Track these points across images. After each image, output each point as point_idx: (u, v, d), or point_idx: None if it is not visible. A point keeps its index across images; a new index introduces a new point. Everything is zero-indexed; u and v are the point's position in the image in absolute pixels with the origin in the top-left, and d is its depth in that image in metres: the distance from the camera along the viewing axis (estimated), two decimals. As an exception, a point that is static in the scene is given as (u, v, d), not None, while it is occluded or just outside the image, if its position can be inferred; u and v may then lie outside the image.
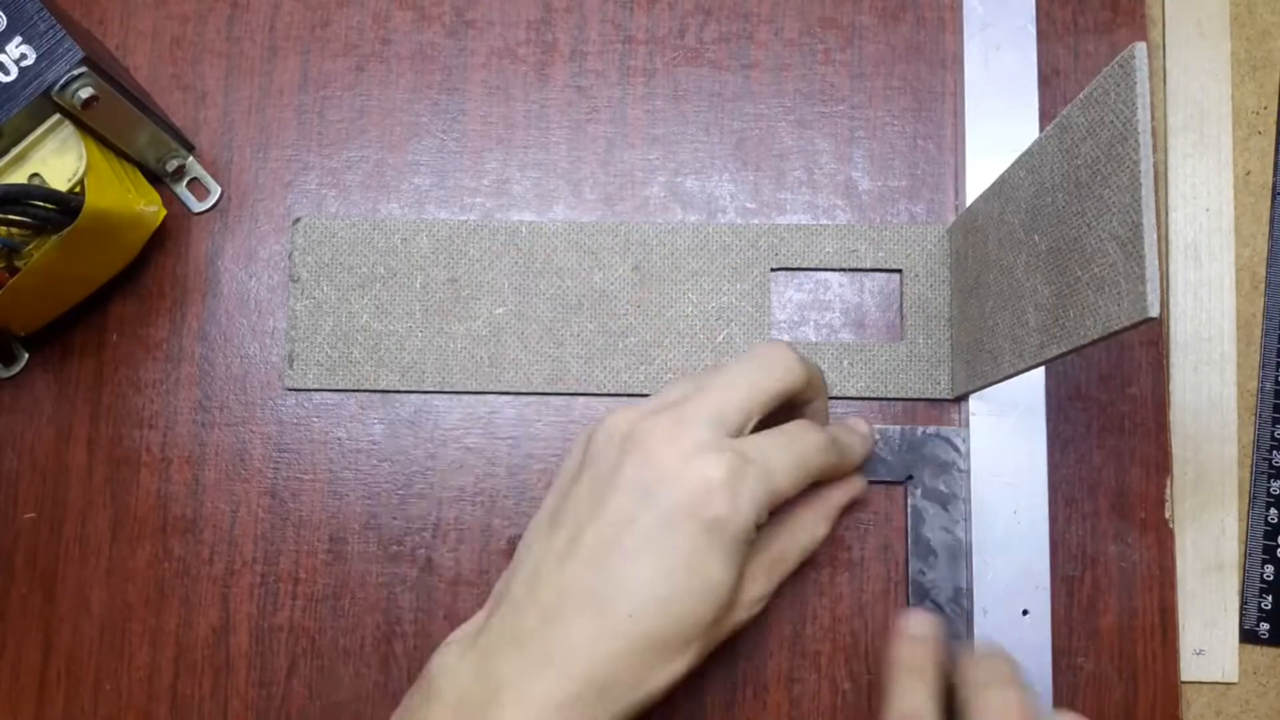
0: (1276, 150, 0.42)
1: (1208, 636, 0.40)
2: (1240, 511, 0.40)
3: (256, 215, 0.42)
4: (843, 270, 0.41)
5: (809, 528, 0.35)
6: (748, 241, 0.41)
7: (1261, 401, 0.41)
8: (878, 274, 0.41)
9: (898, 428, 0.36)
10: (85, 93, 0.35)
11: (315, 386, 0.41)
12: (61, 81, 0.34)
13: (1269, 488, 0.40)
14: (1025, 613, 0.38)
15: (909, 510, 0.34)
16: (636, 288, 0.41)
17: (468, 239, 0.41)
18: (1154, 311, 0.25)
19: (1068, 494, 0.40)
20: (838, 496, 0.37)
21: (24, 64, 0.34)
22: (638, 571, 0.29)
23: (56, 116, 0.36)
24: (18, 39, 0.34)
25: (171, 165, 0.42)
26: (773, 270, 0.41)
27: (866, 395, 0.40)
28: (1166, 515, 0.40)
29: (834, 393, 0.40)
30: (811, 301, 0.41)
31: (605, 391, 0.40)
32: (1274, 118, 0.43)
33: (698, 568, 0.29)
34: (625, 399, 0.41)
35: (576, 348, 0.40)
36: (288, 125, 0.43)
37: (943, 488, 0.34)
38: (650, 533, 0.29)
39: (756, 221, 0.41)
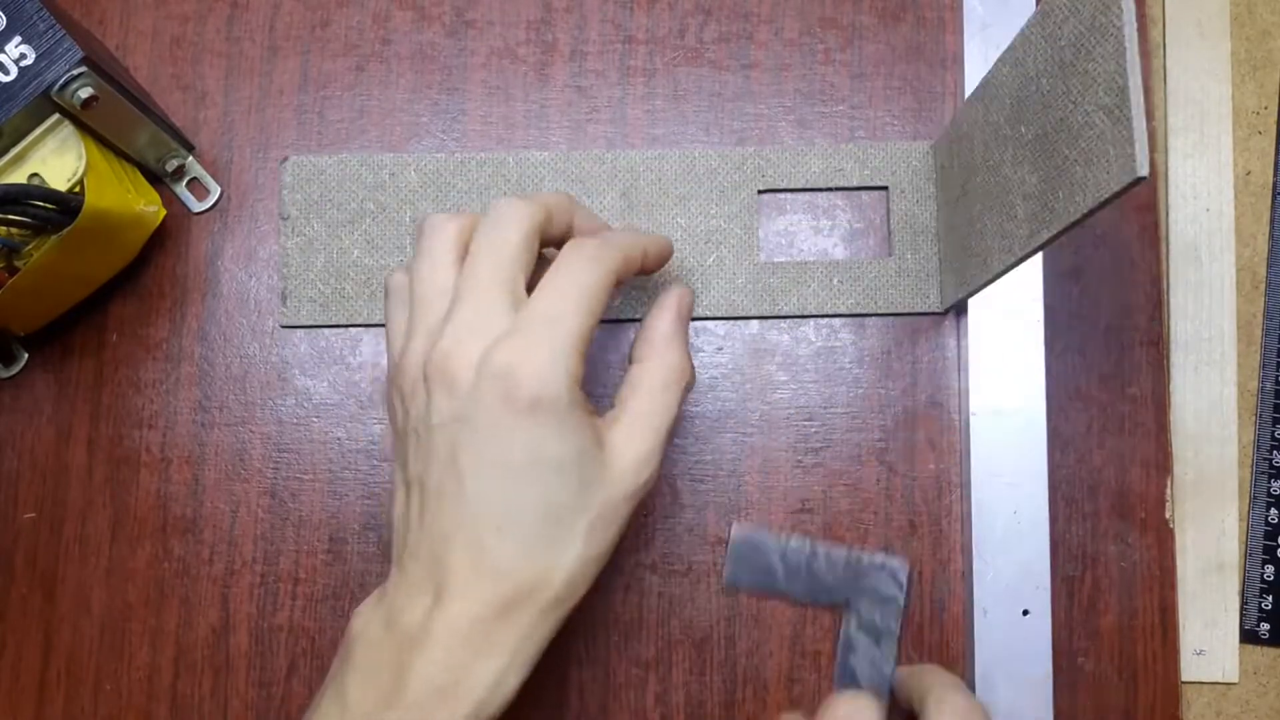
0: (1277, 150, 0.42)
1: (1208, 636, 0.40)
2: (1241, 511, 0.40)
3: (256, 215, 0.42)
4: (830, 190, 0.41)
5: (658, 370, 0.33)
6: (734, 165, 0.41)
7: (1262, 402, 0.41)
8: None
9: (843, 550, 0.34)
10: (85, 93, 0.35)
11: (309, 323, 0.41)
12: (61, 81, 0.34)
13: (1269, 488, 0.40)
14: (1025, 613, 0.38)
15: (840, 638, 0.33)
16: (625, 214, 0.41)
17: (455, 172, 0.41)
18: (1143, 171, 0.25)
19: (1068, 494, 0.40)
20: (664, 322, 0.34)
21: (24, 64, 0.34)
22: (484, 489, 0.29)
23: (56, 116, 0.36)
24: (17, 39, 0.34)
25: (171, 165, 0.42)
26: (760, 193, 0.41)
27: (857, 312, 0.41)
28: (1167, 515, 0.40)
29: (826, 310, 0.41)
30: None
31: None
32: (1274, 118, 0.43)
33: (535, 453, 0.29)
34: (617, 324, 0.41)
35: None
36: (288, 125, 0.43)
37: (878, 621, 0.33)
38: (480, 450, 0.29)
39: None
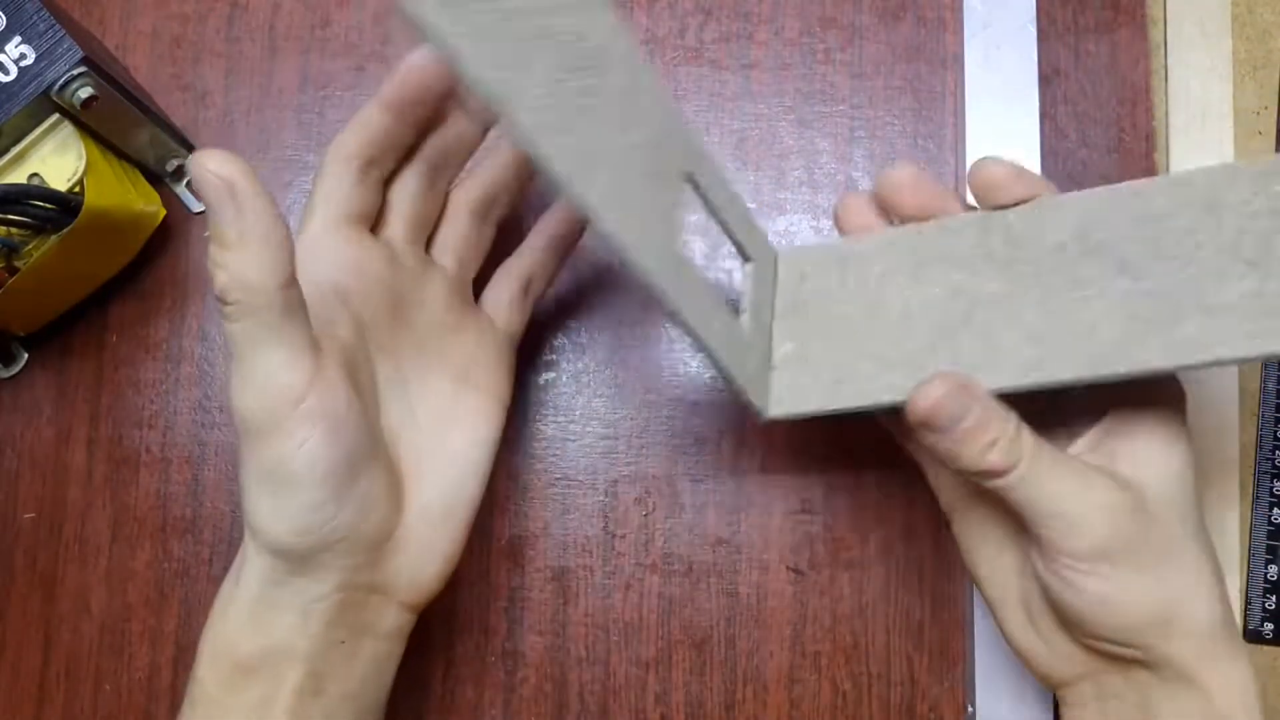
0: (1277, 151, 0.42)
1: (1209, 637, 0.40)
2: (1242, 511, 0.40)
3: (256, 215, 0.42)
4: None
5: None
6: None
7: (1264, 402, 0.41)
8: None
9: None
10: (85, 93, 0.35)
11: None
12: (61, 81, 0.34)
13: (1272, 488, 0.40)
14: (1026, 613, 0.38)
15: None
16: None
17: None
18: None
19: (1069, 494, 0.40)
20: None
21: (23, 64, 0.34)
22: (235, 397, 0.29)
23: (56, 116, 0.36)
24: (17, 39, 0.34)
25: (171, 165, 0.42)
26: None
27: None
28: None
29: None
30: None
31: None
32: (1274, 118, 0.42)
33: (247, 365, 0.28)
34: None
35: None
36: (288, 125, 0.43)
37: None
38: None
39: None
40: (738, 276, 0.36)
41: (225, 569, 0.40)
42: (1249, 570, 0.40)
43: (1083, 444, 0.31)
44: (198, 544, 0.40)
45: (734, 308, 0.33)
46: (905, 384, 0.31)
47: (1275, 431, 0.41)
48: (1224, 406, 0.41)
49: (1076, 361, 0.30)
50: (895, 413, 0.32)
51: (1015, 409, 0.30)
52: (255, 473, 0.29)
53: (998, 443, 0.29)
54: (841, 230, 0.36)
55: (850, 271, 0.34)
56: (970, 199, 0.33)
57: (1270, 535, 0.40)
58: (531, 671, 0.39)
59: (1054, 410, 0.33)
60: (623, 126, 0.29)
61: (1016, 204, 0.32)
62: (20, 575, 0.40)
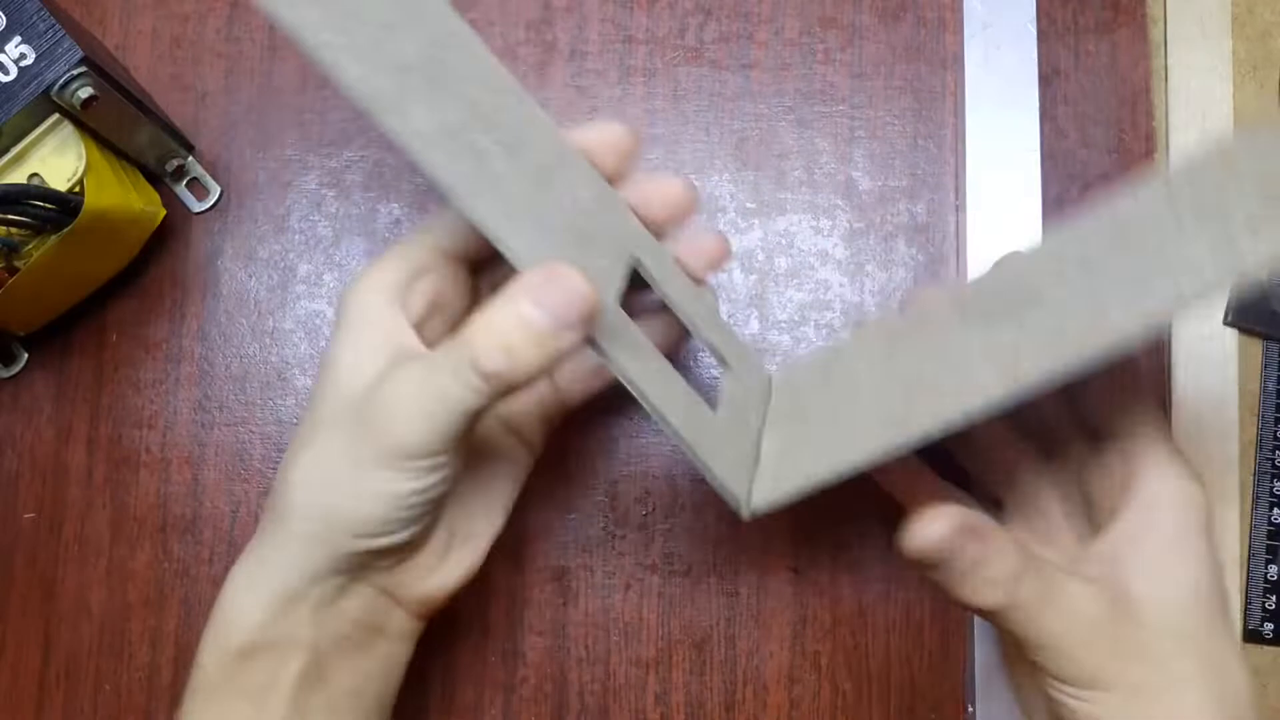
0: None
1: (1209, 637, 0.40)
2: (1242, 511, 0.40)
3: (256, 215, 0.42)
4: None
5: None
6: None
7: (1264, 401, 0.41)
8: (878, 274, 0.41)
9: None
10: (85, 93, 0.35)
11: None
12: (61, 81, 0.34)
13: (1272, 487, 0.40)
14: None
15: None
16: None
17: None
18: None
19: (1068, 494, 0.40)
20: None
21: (23, 64, 0.34)
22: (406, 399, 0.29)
23: (56, 116, 0.36)
24: (17, 39, 0.34)
25: (171, 165, 0.42)
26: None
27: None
28: (1168, 515, 0.40)
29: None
30: (812, 301, 0.41)
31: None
32: (1274, 118, 0.42)
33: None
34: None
35: None
36: (288, 125, 0.43)
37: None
38: None
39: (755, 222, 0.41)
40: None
41: (225, 569, 0.40)
42: (1249, 570, 0.40)
43: (1100, 545, 0.31)
44: (198, 544, 0.40)
45: (710, 401, 0.33)
46: (886, 435, 0.30)
47: (1275, 431, 0.41)
48: (1224, 406, 0.41)
49: (1054, 354, 0.28)
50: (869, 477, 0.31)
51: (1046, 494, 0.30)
52: (371, 479, 0.28)
53: (996, 584, 0.28)
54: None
55: (834, 369, 0.34)
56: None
57: (1270, 535, 0.40)
58: (531, 671, 0.39)
59: (1080, 497, 0.33)
60: (539, 186, 0.29)
61: None
62: (20, 575, 0.40)
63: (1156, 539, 0.29)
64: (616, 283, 0.30)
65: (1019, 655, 0.32)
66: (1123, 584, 0.29)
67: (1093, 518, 0.32)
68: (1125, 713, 0.28)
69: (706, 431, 0.31)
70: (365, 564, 0.30)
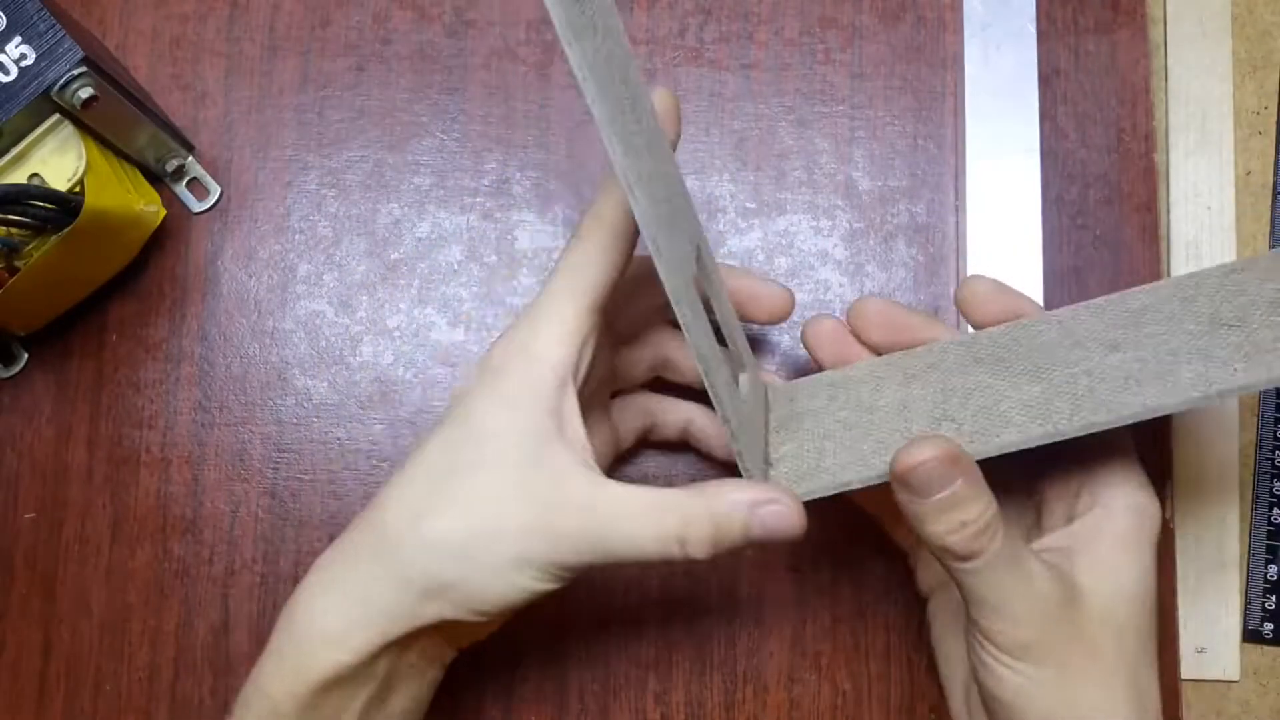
0: (1277, 151, 0.42)
1: (1209, 634, 0.40)
2: (1242, 510, 0.40)
3: (256, 215, 0.42)
4: None
5: None
6: None
7: (1264, 401, 0.41)
8: (878, 274, 0.41)
9: None
10: (85, 93, 0.35)
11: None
12: (61, 81, 0.34)
13: (1272, 487, 0.40)
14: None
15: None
16: None
17: None
18: None
19: (1068, 494, 0.40)
20: None
21: (24, 64, 0.34)
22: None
23: (56, 116, 0.36)
24: (17, 39, 0.34)
25: (171, 165, 0.42)
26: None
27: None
28: (1167, 515, 0.40)
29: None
30: (812, 301, 0.41)
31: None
32: (1274, 118, 0.42)
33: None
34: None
35: None
36: (288, 125, 0.43)
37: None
38: None
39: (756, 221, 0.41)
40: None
41: (225, 569, 0.40)
42: (1249, 570, 0.40)
43: (1049, 540, 0.32)
44: (198, 544, 0.40)
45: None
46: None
47: (1275, 431, 0.41)
48: (1224, 407, 0.41)
49: (1080, 413, 0.30)
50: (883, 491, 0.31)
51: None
52: (522, 575, 0.29)
53: (968, 527, 0.29)
54: (814, 357, 0.36)
55: (840, 393, 0.35)
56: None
57: (1270, 535, 0.40)
58: (531, 671, 0.39)
59: (1030, 501, 0.34)
60: (653, 157, 0.29)
61: (1000, 323, 0.34)
62: (20, 575, 0.40)
63: (1109, 540, 0.31)
64: (691, 266, 0.31)
65: (954, 617, 0.33)
66: (1071, 575, 0.30)
67: (1042, 521, 0.33)
68: (1053, 689, 0.29)
69: (743, 420, 0.32)
70: (465, 624, 0.30)
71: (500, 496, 0.29)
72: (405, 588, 0.29)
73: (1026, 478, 0.34)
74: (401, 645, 0.30)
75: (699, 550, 0.29)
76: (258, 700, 0.30)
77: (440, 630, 0.30)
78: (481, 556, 0.28)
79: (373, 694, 0.30)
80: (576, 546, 0.29)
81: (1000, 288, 0.34)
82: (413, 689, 0.32)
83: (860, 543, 0.39)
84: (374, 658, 0.29)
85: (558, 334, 0.30)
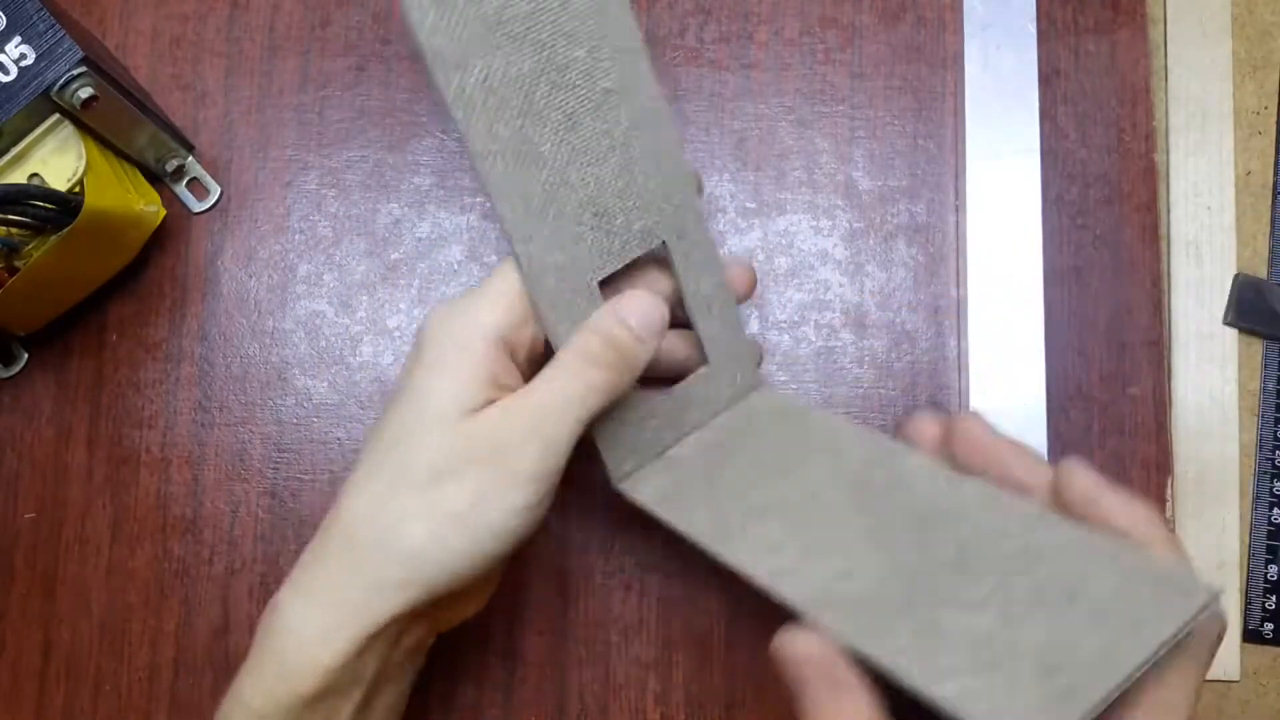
0: (1277, 150, 0.42)
1: (1209, 637, 0.40)
2: (1242, 510, 0.40)
3: (256, 215, 0.42)
4: None
5: None
6: None
7: (1264, 401, 0.41)
8: (878, 274, 0.41)
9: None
10: (85, 93, 0.35)
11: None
12: (61, 81, 0.34)
13: (1272, 487, 0.40)
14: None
15: None
16: None
17: None
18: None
19: (1068, 494, 0.40)
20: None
21: (24, 64, 0.34)
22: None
23: (56, 116, 0.36)
24: (17, 39, 0.34)
25: (171, 165, 0.42)
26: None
27: None
28: (1167, 515, 0.40)
29: None
30: (812, 301, 0.41)
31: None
32: (1274, 118, 0.43)
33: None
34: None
35: None
36: (288, 125, 0.43)
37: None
38: None
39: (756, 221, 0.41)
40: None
41: (225, 569, 0.40)
42: (1249, 570, 0.40)
43: None
44: (198, 544, 0.40)
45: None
46: (751, 562, 0.30)
47: (1275, 431, 0.41)
48: (1224, 406, 0.41)
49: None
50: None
51: None
52: (491, 515, 0.29)
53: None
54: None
55: (787, 427, 0.34)
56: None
57: (1270, 535, 0.40)
58: (531, 671, 0.39)
59: None
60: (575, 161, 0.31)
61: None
62: (20, 575, 0.40)
63: None
64: (615, 263, 0.32)
65: None
66: None
67: None
68: None
69: (639, 404, 0.33)
70: (443, 604, 0.30)
71: (453, 451, 0.29)
72: (377, 580, 0.29)
73: None
74: (388, 639, 0.29)
75: (618, 369, 0.30)
76: (236, 708, 0.29)
77: (424, 616, 0.30)
78: (445, 535, 0.29)
79: (361, 699, 0.30)
80: (533, 469, 0.29)
81: (991, 436, 0.31)
82: (398, 687, 0.32)
83: (860, 543, 0.39)
84: (360, 656, 0.29)
85: (490, 297, 0.31)
